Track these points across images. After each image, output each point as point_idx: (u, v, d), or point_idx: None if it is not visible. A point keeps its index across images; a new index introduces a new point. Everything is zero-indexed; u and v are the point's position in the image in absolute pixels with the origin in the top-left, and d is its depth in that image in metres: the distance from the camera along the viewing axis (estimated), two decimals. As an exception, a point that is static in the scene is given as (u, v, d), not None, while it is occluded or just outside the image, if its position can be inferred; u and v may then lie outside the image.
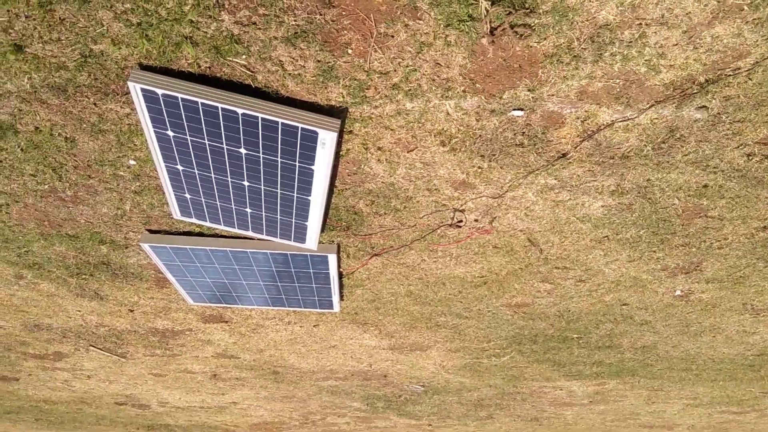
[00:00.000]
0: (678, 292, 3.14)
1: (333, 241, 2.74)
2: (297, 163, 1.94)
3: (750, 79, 1.62)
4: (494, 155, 2.01)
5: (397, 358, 4.72)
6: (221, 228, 2.52)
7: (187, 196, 2.28)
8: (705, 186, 2.17)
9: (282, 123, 1.74)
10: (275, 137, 1.82)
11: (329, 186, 2.18)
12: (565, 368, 4.76)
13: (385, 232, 2.60)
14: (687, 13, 1.43)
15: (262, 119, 1.75)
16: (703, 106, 1.73)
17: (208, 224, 2.49)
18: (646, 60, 1.56)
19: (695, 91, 1.67)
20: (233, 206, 2.30)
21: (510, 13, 1.41)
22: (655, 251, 2.67)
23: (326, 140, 1.78)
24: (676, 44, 1.52)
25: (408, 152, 2.00)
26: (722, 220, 2.39)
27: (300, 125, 1.74)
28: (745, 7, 1.38)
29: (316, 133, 1.76)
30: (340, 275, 3.10)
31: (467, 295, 3.31)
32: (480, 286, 3.18)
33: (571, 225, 2.48)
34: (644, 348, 4.19)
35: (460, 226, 2.47)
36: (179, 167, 2.10)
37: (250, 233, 2.52)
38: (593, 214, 2.39)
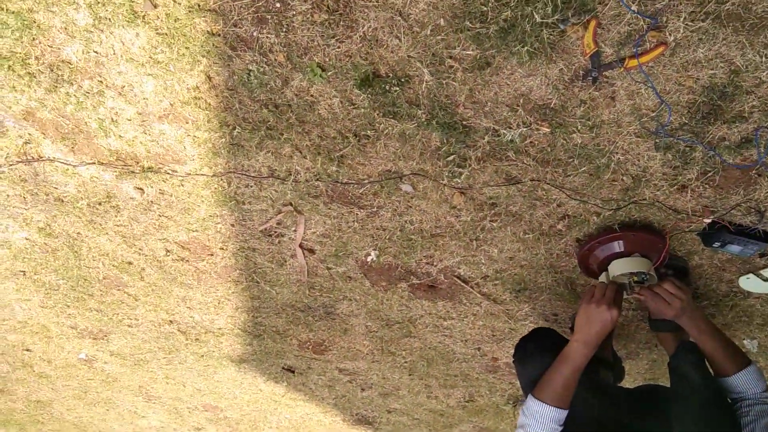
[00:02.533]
0: (82, 356, 3.09)
1: None
2: None
3: (182, 185, 1.79)
4: None
5: None
6: None
7: None
8: (129, 263, 2.25)
9: None
10: None
11: None
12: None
13: None
14: (144, 98, 1.51)
15: None
16: (140, 189, 1.83)
17: None
18: (99, 118, 1.58)
19: (137, 172, 1.75)
20: None
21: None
22: (69, 306, 2.60)
23: None
24: (130, 120, 1.58)
25: None
26: (137, 300, 2.49)
27: None
28: (190, 120, 1.55)
29: None
30: None
31: None
32: None
33: (-11, 245, 2.24)
34: (39, 402, 3.93)
35: None
36: None
37: None
38: (15, 243, 2.20)
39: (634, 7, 1.18)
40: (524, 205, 1.71)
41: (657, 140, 1.45)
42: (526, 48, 1.25)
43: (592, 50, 1.26)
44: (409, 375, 2.80)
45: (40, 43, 1.40)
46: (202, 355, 2.92)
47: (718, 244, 1.69)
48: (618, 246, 1.74)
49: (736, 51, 1.23)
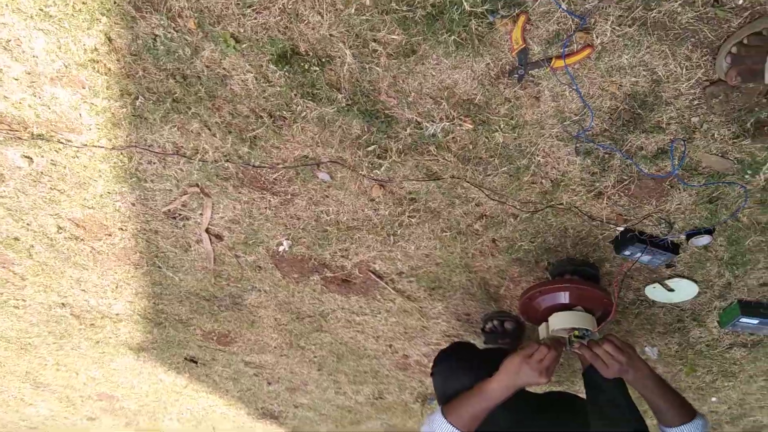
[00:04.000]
0: (-39, 337, 2.82)
1: None
2: None
3: (77, 157, 1.63)
4: None
5: None
6: None
7: None
8: (16, 239, 2.04)
9: None
10: None
11: None
12: None
13: None
14: (34, 56, 1.35)
15: None
16: (29, 157, 1.65)
17: None
18: (-23, 74, 1.40)
19: (24, 138, 1.57)
20: None
21: None
22: (-56, 282, 2.35)
23: None
24: (17, 79, 1.41)
25: None
26: (25, 280, 2.28)
27: None
28: (87, 85, 1.40)
29: None
30: None
31: None
32: None
33: None
34: None
35: None
36: None
37: None
38: None
39: (564, 5, 1.14)
40: (443, 203, 1.67)
41: (578, 145, 1.44)
42: (453, 37, 1.19)
43: (519, 47, 1.22)
44: (318, 370, 2.72)
45: None
46: (98, 342, 2.72)
47: (629, 252, 1.71)
48: (564, 297, 1.71)
49: (659, 60, 1.23)
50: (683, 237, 1.67)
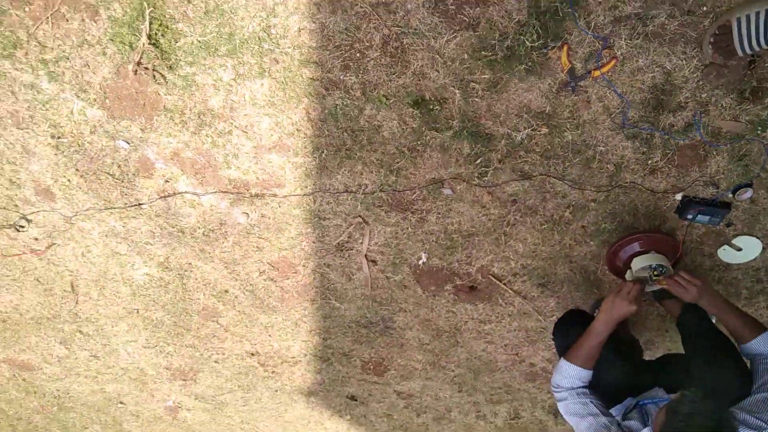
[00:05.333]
0: (170, 403, 3.53)
1: None
2: None
3: (279, 206, 2.39)
4: (87, 174, 2.34)
5: None
6: None
7: None
8: (226, 291, 2.79)
9: None
10: None
11: None
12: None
13: (-66, 206, 2.53)
14: (260, 134, 2.16)
15: None
16: (246, 213, 2.43)
17: None
18: (225, 153, 2.22)
19: (246, 197, 2.36)
20: None
21: (158, 58, 1.95)
22: (168, 343, 3.10)
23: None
24: (247, 152, 2.22)
25: (18, 128, 2.20)
26: (227, 332, 3.00)
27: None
28: (291, 148, 2.18)
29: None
30: None
31: (-24, 330, 3.15)
32: (-5, 323, 3.09)
33: (115, 284, 2.81)
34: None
35: (19, 230, 2.58)
36: None
37: None
38: (137, 279, 2.77)
39: (590, 32, 1.82)
40: (537, 199, 2.28)
41: (625, 131, 2.05)
42: (523, 66, 1.89)
43: (567, 67, 1.90)
44: (459, 391, 3.19)
45: (194, 96, 2.07)
46: (276, 390, 3.34)
47: (690, 216, 2.21)
48: (638, 245, 2.25)
49: (665, 58, 1.86)
50: (730, 194, 2.17)
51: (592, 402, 1.98)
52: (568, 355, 2.06)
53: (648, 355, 2.85)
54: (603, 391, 2.07)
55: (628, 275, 2.24)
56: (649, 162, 2.12)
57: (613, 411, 2.10)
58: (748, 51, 1.73)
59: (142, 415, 3.67)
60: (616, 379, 2.12)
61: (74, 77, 2.06)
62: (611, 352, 2.09)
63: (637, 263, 2.18)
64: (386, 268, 2.61)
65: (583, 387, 2.04)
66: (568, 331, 2.25)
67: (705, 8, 1.77)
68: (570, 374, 2.04)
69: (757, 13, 1.67)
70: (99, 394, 3.53)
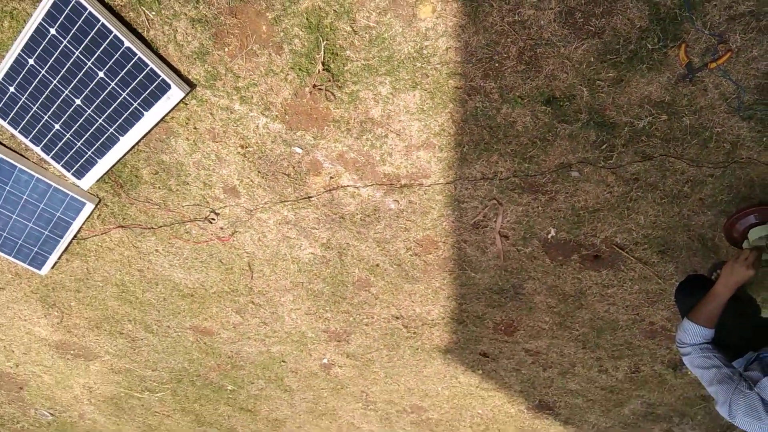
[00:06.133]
0: (325, 360, 4.11)
1: (95, 196, 3.17)
2: (135, 104, 2.54)
3: (425, 193, 2.81)
4: (267, 175, 2.86)
5: (52, 365, 4.71)
6: (13, 131, 2.82)
7: (12, 89, 2.63)
8: (377, 265, 3.27)
9: (150, 67, 2.40)
10: (136, 75, 2.44)
11: (137, 140, 2.77)
12: (202, 428, 5.23)
13: (146, 205, 3.15)
14: (411, 135, 2.57)
15: (138, 58, 2.38)
16: (397, 200, 2.86)
17: (3, 123, 2.79)
18: (381, 152, 2.66)
19: (397, 187, 2.79)
20: (46, 116, 2.70)
21: (329, 80, 2.39)
22: (327, 310, 3.65)
23: (173, 95, 2.47)
24: (400, 151, 2.64)
25: (213, 141, 2.75)
26: (377, 299, 3.49)
27: (162, 75, 2.42)
28: (437, 145, 2.58)
29: (169, 86, 2.44)
30: (75, 235, 3.43)
31: (170, 304, 3.83)
32: (186, 297, 3.75)
33: (285, 262, 3.36)
34: (276, 421, 4.97)
35: (211, 222, 3.17)
36: (30, 61, 2.51)
37: (37, 149, 2.86)
38: (303, 258, 3.31)
39: (707, 31, 2.07)
40: (657, 176, 2.55)
41: (741, 113, 2.28)
42: (645, 65, 2.17)
43: (685, 62, 2.16)
44: (583, 348, 3.53)
45: (357, 109, 2.51)
46: (417, 349, 3.83)
47: (808, 184, 2.41)
48: (754, 218, 2.49)
49: (778, 48, 2.08)
50: None
51: (715, 356, 2.26)
52: (691, 315, 2.35)
53: (766, 313, 3.06)
54: (725, 346, 2.35)
55: (745, 244, 2.47)
56: (764, 139, 2.34)
57: (735, 364, 2.38)
58: None
59: (300, 372, 4.28)
60: (737, 335, 2.39)
61: (260, 99, 2.56)
62: (731, 312, 2.36)
63: (754, 233, 2.41)
64: (517, 242, 2.98)
65: (706, 343, 2.33)
66: (691, 293, 2.53)
67: (816, 2, 1.97)
68: (693, 332, 2.33)
69: None
70: (265, 355, 4.17)
